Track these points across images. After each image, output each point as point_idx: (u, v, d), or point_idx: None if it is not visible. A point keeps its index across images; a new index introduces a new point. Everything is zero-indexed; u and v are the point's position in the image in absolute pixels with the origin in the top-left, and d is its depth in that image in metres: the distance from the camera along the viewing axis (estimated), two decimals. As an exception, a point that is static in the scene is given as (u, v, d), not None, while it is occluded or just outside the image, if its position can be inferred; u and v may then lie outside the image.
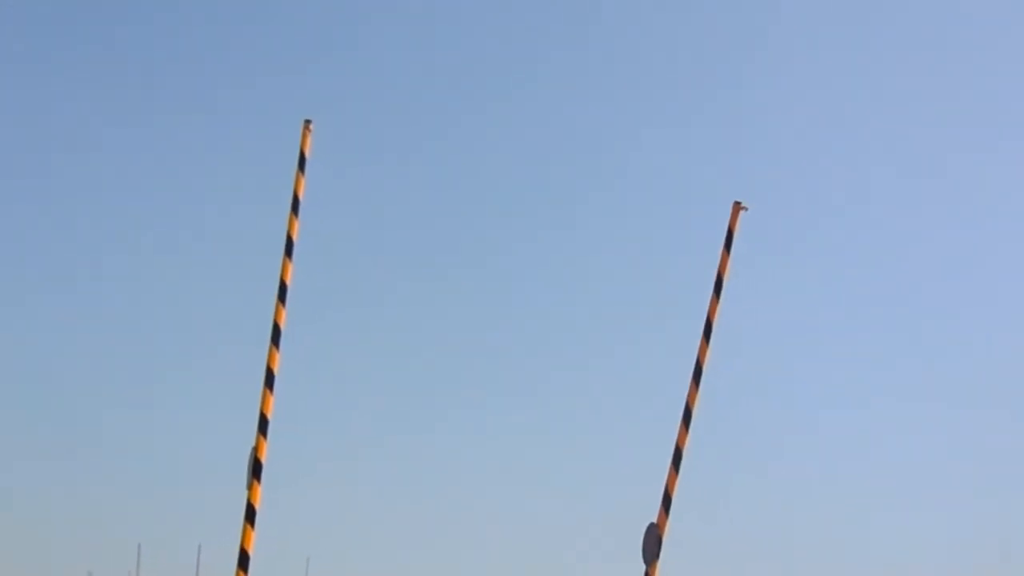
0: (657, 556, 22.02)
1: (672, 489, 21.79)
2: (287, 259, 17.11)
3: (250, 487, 17.84)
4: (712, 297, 22.10)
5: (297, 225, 16.88)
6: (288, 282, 16.73)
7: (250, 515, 17.34)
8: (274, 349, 16.82)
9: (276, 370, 16.73)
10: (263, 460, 17.75)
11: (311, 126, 17.62)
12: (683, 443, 21.95)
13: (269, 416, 17.38)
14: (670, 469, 21.79)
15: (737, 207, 22.67)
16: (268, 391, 17.49)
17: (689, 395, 21.60)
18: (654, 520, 22.02)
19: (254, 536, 16.78)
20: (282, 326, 16.72)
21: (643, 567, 21.73)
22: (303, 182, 17.14)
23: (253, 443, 17.35)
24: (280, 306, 16.73)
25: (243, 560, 17.63)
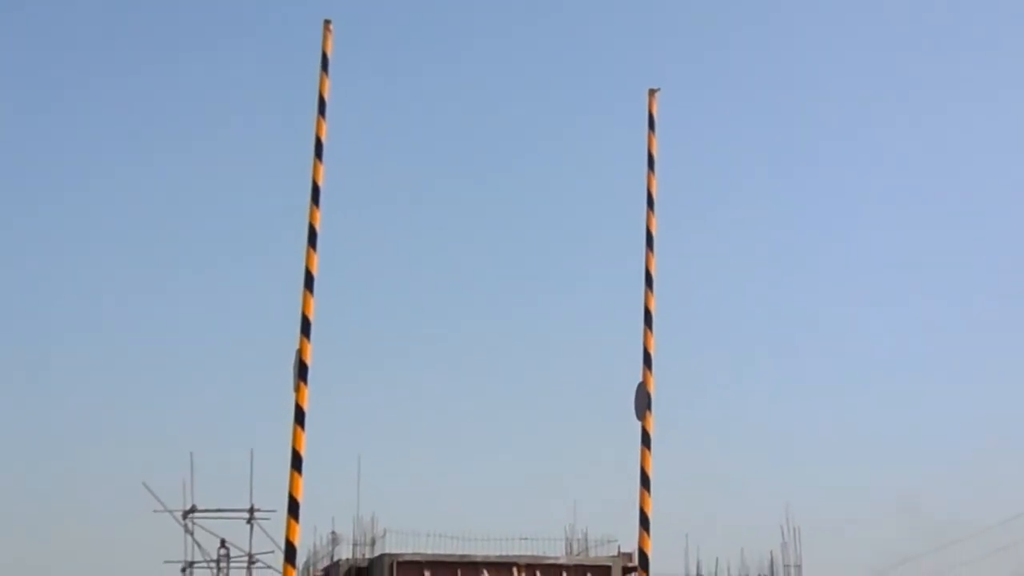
0: (648, 408, 22.87)
1: (650, 347, 22.60)
2: (318, 161, 17.29)
3: (297, 389, 18.06)
4: (648, 173, 23.07)
5: (325, 127, 17.03)
6: (320, 184, 16.91)
7: (299, 417, 17.59)
8: (312, 251, 17.04)
9: (315, 272, 16.93)
10: (308, 362, 17.91)
11: (331, 26, 17.72)
12: (651, 304, 22.73)
13: (311, 317, 17.59)
14: (644, 329, 22.54)
15: (652, 93, 23.78)
16: (308, 293, 17.70)
17: (646, 260, 22.50)
18: (641, 379, 22.90)
19: (304, 437, 17.03)
20: (318, 228, 16.87)
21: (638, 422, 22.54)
22: (327, 82, 17.26)
23: (297, 345, 17.55)
24: (315, 208, 16.92)
25: (296, 461, 17.88)
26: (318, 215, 17.11)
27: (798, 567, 47.49)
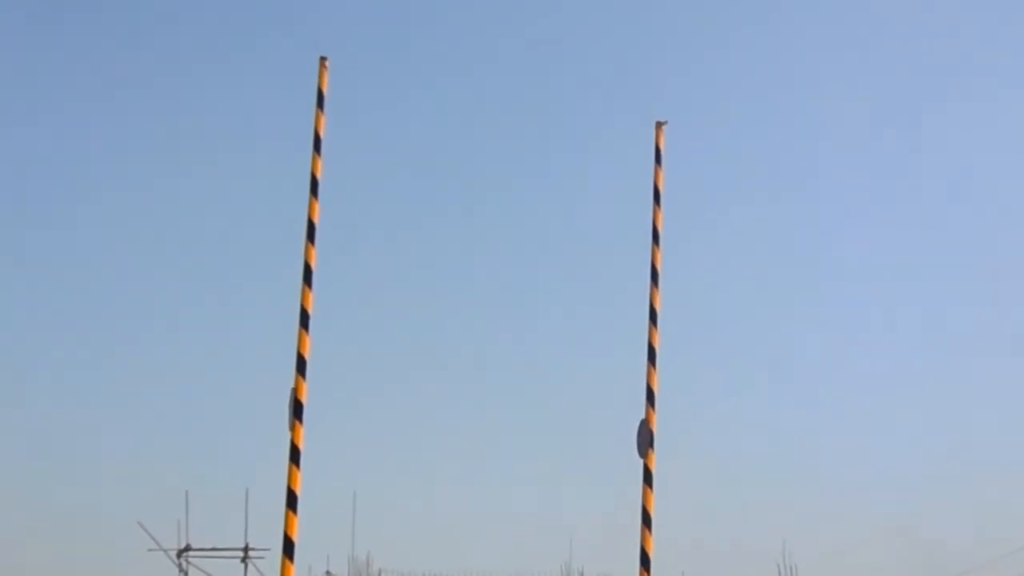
0: (651, 446, 22.78)
1: (653, 384, 22.55)
2: (313, 198, 17.28)
3: (292, 428, 18.05)
4: (654, 207, 23.06)
5: (320, 164, 17.02)
6: (316, 221, 16.89)
7: (294, 456, 17.55)
8: (307, 289, 17.03)
9: (310, 309, 16.91)
10: (303, 400, 17.93)
11: (327, 63, 17.73)
12: (655, 341, 22.63)
13: (307, 356, 17.60)
14: (648, 366, 22.51)
15: (659, 126, 23.78)
16: (304, 331, 17.69)
17: (651, 296, 22.48)
18: (643, 416, 22.82)
19: (300, 476, 16.96)
20: (313, 265, 16.87)
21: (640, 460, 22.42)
22: (323, 120, 17.28)
23: (292, 384, 17.54)
24: (310, 246, 16.91)
25: (291, 500, 17.79)
26: (313, 252, 17.11)
27: (795, 603, 47.35)
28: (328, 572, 41.70)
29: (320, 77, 18.26)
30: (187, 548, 50.81)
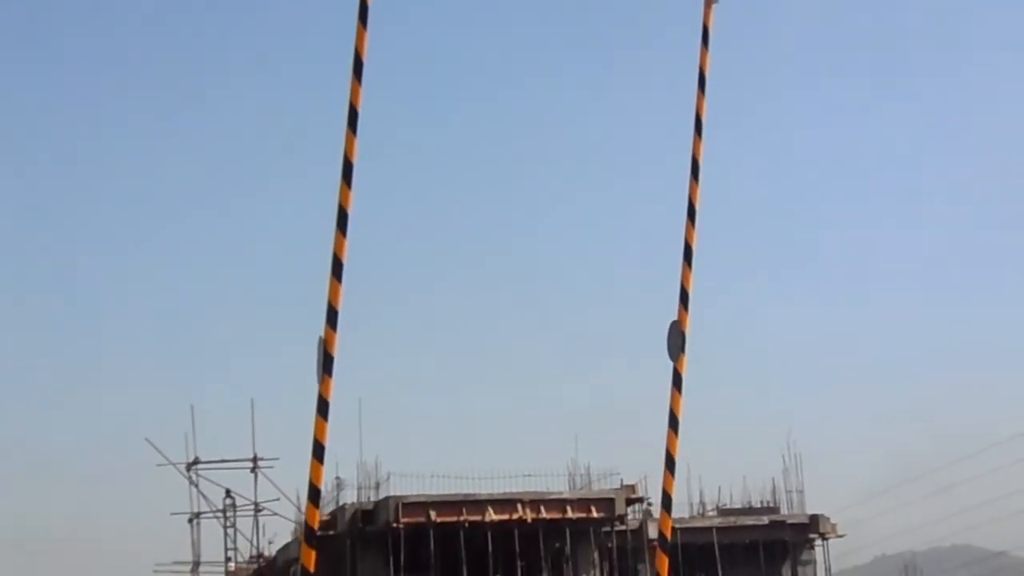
0: (682, 350, 22.66)
1: (688, 284, 22.43)
2: (351, 134, 17.51)
3: (322, 381, 18.48)
4: (698, 93, 22.38)
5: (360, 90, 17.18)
6: (353, 159, 17.13)
7: (322, 409, 17.88)
8: (340, 236, 17.34)
9: (344, 259, 17.20)
10: (334, 353, 18.26)
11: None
12: (691, 239, 22.45)
13: (338, 308, 18.00)
14: (683, 266, 22.31)
15: (709, 4, 22.65)
16: (336, 282, 18.08)
17: (690, 191, 22.04)
18: (675, 318, 22.64)
19: (327, 428, 17.35)
20: (348, 209, 17.12)
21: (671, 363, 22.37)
22: (365, 37, 17.19)
23: (322, 334, 17.89)
24: (345, 188, 17.20)
25: (322, 407, 18.15)
26: (350, 195, 17.40)
27: (800, 492, 48.36)
28: (338, 478, 42.26)
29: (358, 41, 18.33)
30: (196, 461, 51.68)
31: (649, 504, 48.02)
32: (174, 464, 51.07)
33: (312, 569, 19.08)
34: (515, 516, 39.83)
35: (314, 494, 19.12)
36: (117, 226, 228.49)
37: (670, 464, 21.87)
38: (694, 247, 22.14)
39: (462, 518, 39.42)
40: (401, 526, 38.78)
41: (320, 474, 18.52)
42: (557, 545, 41.39)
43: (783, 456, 47.31)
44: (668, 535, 22.46)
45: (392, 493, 39.42)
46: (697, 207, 21.89)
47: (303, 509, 45.92)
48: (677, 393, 22.07)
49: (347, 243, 17.55)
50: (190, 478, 51.37)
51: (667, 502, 22.12)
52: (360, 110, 18.12)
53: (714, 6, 21.50)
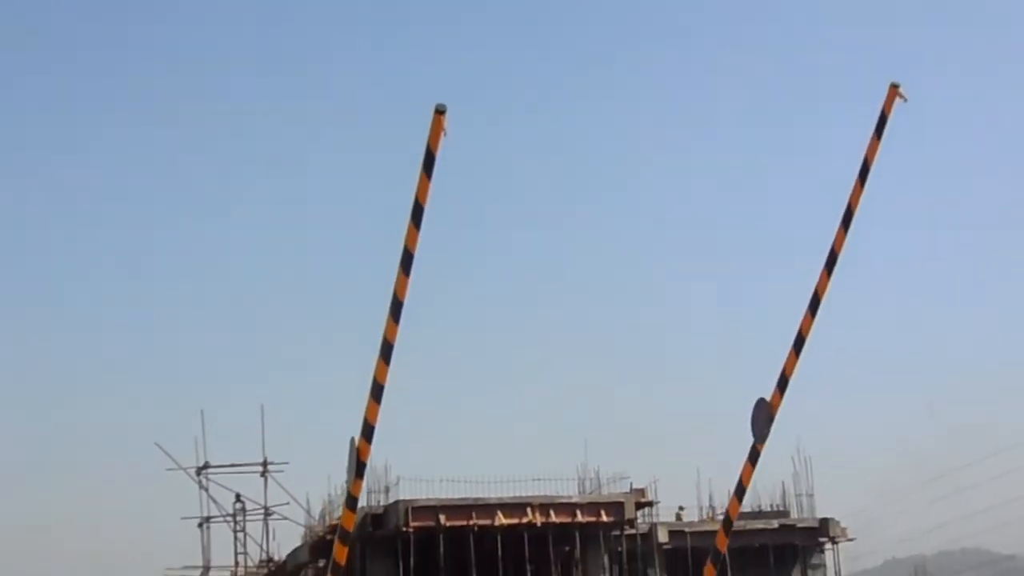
0: (767, 433, 23.51)
1: (790, 372, 22.95)
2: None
3: (351, 484, 20.43)
4: (856, 186, 23.18)
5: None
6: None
7: (376, 392, 19.06)
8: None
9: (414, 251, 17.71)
10: (366, 461, 20.41)
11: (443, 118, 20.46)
12: (807, 330, 23.09)
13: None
14: (791, 351, 22.95)
15: (894, 91, 23.46)
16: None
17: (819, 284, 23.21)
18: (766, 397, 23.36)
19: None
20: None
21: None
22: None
23: (356, 444, 19.50)
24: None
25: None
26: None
27: (810, 496, 48.30)
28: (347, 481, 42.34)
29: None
30: (206, 465, 51.68)
31: (681, 509, 48.10)
32: (184, 468, 51.11)
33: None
34: (525, 520, 39.82)
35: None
36: (124, 229, 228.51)
37: (740, 493, 23.60)
38: (808, 338, 23.05)
39: (472, 522, 39.42)
40: (411, 530, 38.78)
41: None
42: (567, 549, 41.39)
43: (793, 459, 47.26)
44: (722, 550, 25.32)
45: (402, 497, 39.44)
46: (823, 300, 22.97)
47: (313, 513, 46.05)
48: (751, 466, 23.48)
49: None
50: (200, 482, 51.38)
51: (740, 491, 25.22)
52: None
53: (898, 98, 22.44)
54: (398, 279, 20.70)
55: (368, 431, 21.52)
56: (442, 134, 19.62)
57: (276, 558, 50.47)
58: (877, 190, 23.88)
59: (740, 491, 26.07)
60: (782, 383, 23.86)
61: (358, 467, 21.47)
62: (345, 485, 41.08)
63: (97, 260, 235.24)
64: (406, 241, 20.51)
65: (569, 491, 41.34)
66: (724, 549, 26.89)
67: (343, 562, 21.47)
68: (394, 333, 20.80)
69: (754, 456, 24.80)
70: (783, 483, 48.36)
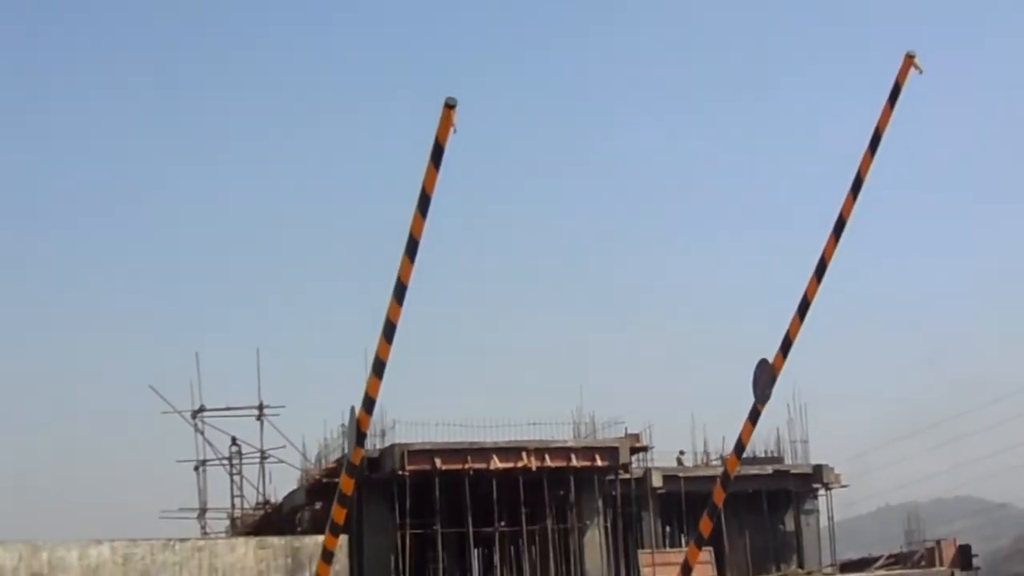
0: (769, 396, 23.66)
1: (794, 336, 23.03)
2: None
3: (351, 453, 20.70)
4: (867, 154, 23.12)
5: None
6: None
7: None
8: (420, 217, 17.89)
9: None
10: (366, 432, 20.99)
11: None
12: (812, 294, 23.19)
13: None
14: (795, 316, 23.04)
15: (909, 61, 23.40)
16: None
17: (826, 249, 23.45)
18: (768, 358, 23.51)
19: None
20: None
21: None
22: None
23: (356, 414, 19.76)
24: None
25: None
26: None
27: (804, 442, 48.48)
28: (343, 426, 42.37)
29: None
30: (201, 409, 51.67)
31: (682, 453, 48.30)
32: (179, 412, 51.06)
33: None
34: (520, 464, 39.98)
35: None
36: (119, 176, 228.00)
37: (739, 449, 23.91)
38: (813, 303, 23.12)
39: (467, 466, 39.58)
40: (407, 474, 38.94)
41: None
42: (561, 493, 41.57)
43: (788, 406, 47.38)
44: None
45: (398, 441, 39.51)
46: (829, 265, 23.02)
47: (309, 457, 46.21)
48: (751, 425, 23.67)
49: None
50: (195, 426, 51.38)
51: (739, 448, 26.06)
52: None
53: (913, 68, 22.33)
54: (403, 264, 20.69)
55: (369, 404, 21.85)
56: (451, 130, 19.51)
57: (272, 501, 50.63)
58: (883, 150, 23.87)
59: (739, 448, 26.31)
60: (785, 346, 23.97)
61: (358, 437, 21.79)
62: (343, 441, 41.42)
63: (92, 197, 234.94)
64: (411, 229, 20.53)
65: (564, 436, 41.45)
66: (721, 504, 27.16)
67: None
68: (397, 314, 20.88)
69: (754, 416, 24.97)
70: (778, 429, 48.55)
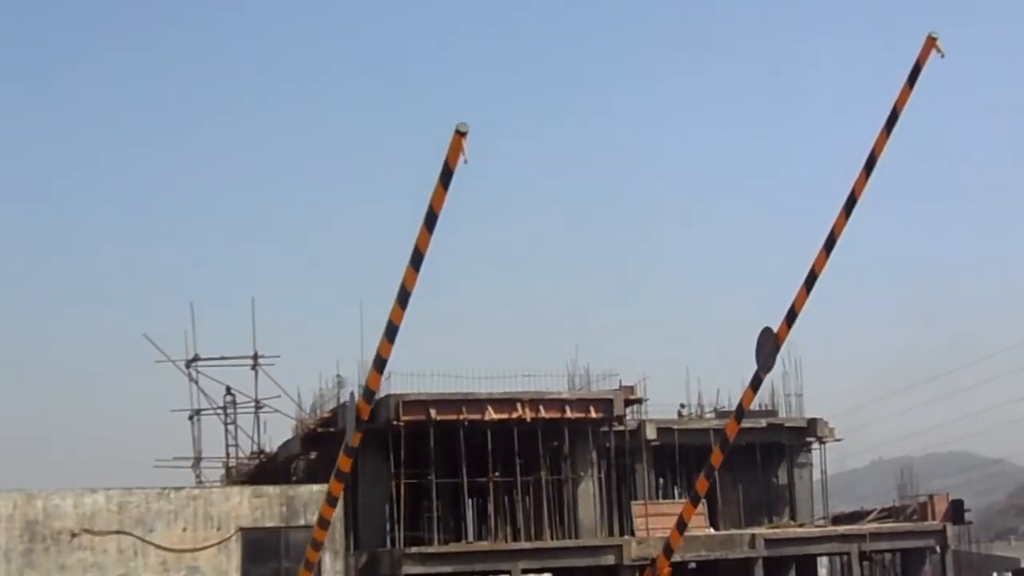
0: (772, 365, 23.68)
1: (799, 308, 22.98)
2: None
3: (351, 438, 20.67)
4: (882, 133, 23.06)
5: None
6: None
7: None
8: (440, 190, 17.87)
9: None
10: (366, 418, 20.86)
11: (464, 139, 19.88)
12: (820, 268, 23.19)
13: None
14: (802, 288, 23.01)
15: (931, 42, 23.24)
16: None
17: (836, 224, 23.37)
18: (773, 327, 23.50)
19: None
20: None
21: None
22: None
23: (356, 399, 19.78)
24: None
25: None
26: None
27: (799, 396, 48.61)
28: (339, 376, 42.43)
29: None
30: (196, 358, 51.53)
31: (682, 406, 48.40)
32: (173, 361, 50.94)
33: (354, 445, 22.84)
34: (514, 415, 40.09)
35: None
36: (115, 122, 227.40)
37: (723, 445, 24.13)
38: (820, 276, 23.10)
39: (462, 417, 39.68)
40: (401, 424, 39.05)
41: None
42: (555, 444, 41.72)
43: (783, 359, 47.43)
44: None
45: (393, 391, 39.54)
46: (838, 240, 22.99)
47: (304, 407, 46.27)
48: (752, 392, 23.85)
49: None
50: (190, 375, 51.31)
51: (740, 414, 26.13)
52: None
53: (934, 50, 22.25)
54: (407, 272, 20.64)
55: (380, 364, 22.08)
56: (461, 157, 19.29)
57: (267, 450, 50.72)
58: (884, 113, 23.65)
59: (739, 414, 26.53)
60: (790, 317, 23.98)
61: (357, 422, 21.94)
62: (338, 397, 41.55)
63: (89, 152, 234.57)
64: (417, 242, 20.40)
65: (559, 387, 41.57)
66: (718, 465, 27.29)
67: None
68: (413, 281, 20.86)
69: (756, 383, 25.08)
70: (772, 382, 48.63)
